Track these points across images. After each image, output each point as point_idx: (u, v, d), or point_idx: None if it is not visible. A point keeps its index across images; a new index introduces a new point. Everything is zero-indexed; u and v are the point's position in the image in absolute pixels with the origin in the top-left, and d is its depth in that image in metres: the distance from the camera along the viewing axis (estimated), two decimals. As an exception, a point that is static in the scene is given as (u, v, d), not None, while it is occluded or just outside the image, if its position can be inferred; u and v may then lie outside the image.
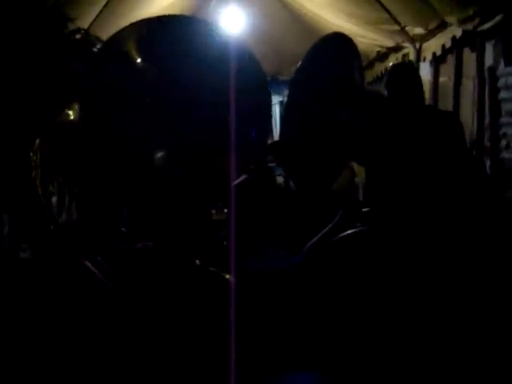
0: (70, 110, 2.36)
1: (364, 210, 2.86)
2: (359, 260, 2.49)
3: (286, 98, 3.02)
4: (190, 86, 2.35)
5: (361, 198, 4.98)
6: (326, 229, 2.78)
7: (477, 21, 4.27)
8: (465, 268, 2.89)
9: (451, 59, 5.35)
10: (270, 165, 4.67)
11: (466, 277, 2.90)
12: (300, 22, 7.83)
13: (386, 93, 3.25)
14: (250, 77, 2.37)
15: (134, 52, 2.34)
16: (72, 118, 2.39)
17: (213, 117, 2.32)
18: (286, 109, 3.04)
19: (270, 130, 5.58)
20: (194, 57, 2.36)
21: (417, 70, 4.64)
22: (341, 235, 2.55)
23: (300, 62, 2.83)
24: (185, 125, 2.34)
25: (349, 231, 2.57)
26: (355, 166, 5.05)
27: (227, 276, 2.20)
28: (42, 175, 2.03)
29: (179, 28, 2.44)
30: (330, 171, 2.97)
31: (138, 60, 2.36)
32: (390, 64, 6.16)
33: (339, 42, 2.98)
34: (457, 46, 5.08)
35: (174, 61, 2.37)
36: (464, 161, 3.13)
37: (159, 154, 2.35)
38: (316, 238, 2.75)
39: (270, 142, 4.09)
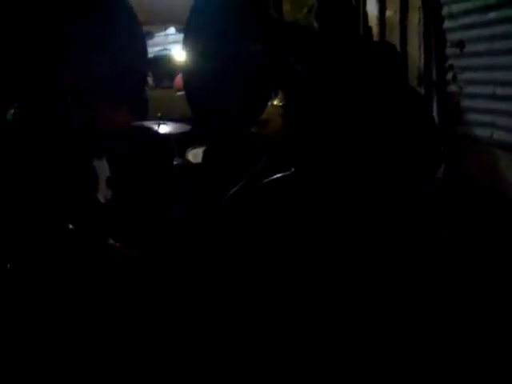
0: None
1: (288, 154, 2.61)
2: (283, 208, 2.27)
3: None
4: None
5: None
6: (248, 177, 2.54)
7: None
8: (403, 215, 2.69)
9: (396, -8, 5.09)
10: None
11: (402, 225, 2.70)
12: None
13: (316, 25, 2.97)
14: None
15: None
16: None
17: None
18: (183, 48, 2.71)
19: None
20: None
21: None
22: (262, 182, 2.32)
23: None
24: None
25: (271, 178, 2.33)
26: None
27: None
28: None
29: None
30: (247, 111, 2.70)
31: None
32: None
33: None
34: (402, -24, 4.82)
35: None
36: (403, 96, 2.90)
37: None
38: (237, 186, 2.51)
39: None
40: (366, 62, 2.86)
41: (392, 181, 2.65)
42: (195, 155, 3.98)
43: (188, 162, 3.88)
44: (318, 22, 2.92)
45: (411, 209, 2.74)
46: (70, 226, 1.87)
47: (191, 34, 2.55)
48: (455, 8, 3.88)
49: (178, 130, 4.36)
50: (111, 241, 1.92)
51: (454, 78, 3.99)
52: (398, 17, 5.07)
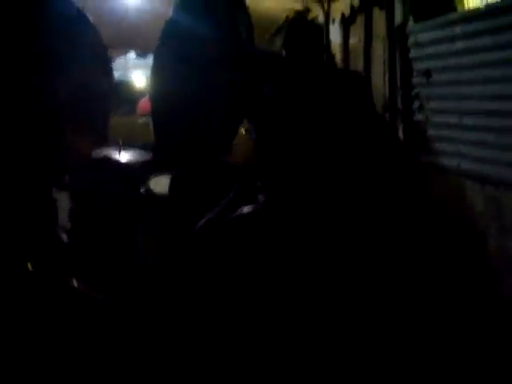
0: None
1: (259, 183, 2.50)
2: (254, 242, 2.16)
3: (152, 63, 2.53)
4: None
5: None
6: (220, 207, 2.41)
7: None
8: (379, 242, 2.61)
9: (360, 20, 5.12)
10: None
11: (381, 251, 2.62)
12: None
13: (283, 52, 2.89)
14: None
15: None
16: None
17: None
18: (152, 74, 2.56)
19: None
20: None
21: (315, 25, 4.30)
22: (232, 215, 2.20)
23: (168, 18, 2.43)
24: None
25: (243, 210, 2.22)
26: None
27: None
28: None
29: None
30: (218, 137, 2.59)
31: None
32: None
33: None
34: (366, 5, 4.84)
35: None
36: (371, 124, 2.83)
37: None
38: (207, 217, 2.38)
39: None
40: (335, 89, 2.79)
41: (361, 207, 2.58)
42: (158, 184, 3.84)
43: (151, 191, 3.73)
44: (285, 49, 2.84)
45: (383, 235, 2.67)
46: (30, 266, 1.71)
47: (161, 58, 2.43)
48: (422, 37, 3.88)
49: (140, 158, 4.21)
50: (74, 281, 1.77)
51: (421, 106, 3.96)
52: (361, 45, 5.08)
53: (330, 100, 2.65)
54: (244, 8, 2.63)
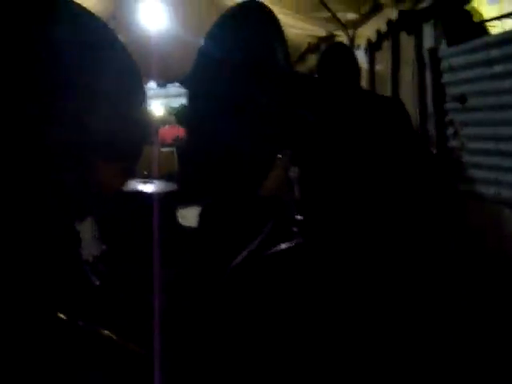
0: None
1: (298, 217, 2.34)
2: (293, 282, 2.01)
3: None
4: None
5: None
6: (254, 244, 2.26)
7: (413, -1, 3.93)
8: (427, 286, 2.45)
9: (387, 45, 5.02)
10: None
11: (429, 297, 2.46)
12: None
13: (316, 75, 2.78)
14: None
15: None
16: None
17: None
18: (189, 98, 2.42)
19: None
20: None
21: (351, 51, 4.22)
22: (271, 252, 2.05)
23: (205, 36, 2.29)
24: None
25: (281, 246, 2.07)
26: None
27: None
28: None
29: None
30: (255, 168, 2.43)
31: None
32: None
33: (253, 10, 2.43)
34: (393, 30, 4.73)
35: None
36: (414, 153, 2.70)
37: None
38: (242, 255, 2.23)
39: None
40: (374, 117, 2.67)
41: (408, 246, 2.43)
42: (185, 216, 3.72)
43: (179, 224, 3.61)
44: (320, 74, 2.73)
45: (430, 278, 2.51)
46: (61, 316, 1.56)
47: (196, 86, 2.31)
48: (456, 61, 3.75)
49: (165, 189, 4.09)
50: (106, 332, 1.62)
51: (455, 133, 3.82)
52: (388, 71, 4.98)
53: (373, 128, 2.52)
54: (282, 34, 2.52)
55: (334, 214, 2.27)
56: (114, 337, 1.61)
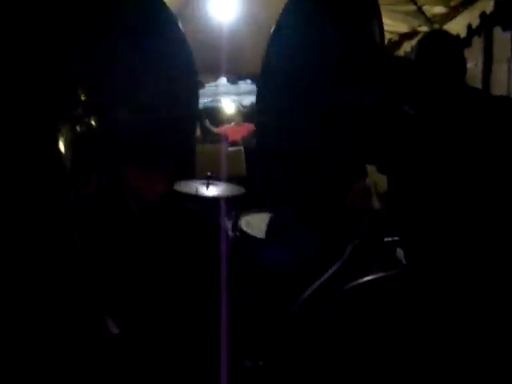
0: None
1: (386, 239, 1.94)
2: (386, 319, 1.64)
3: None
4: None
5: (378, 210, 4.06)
6: (331, 271, 1.88)
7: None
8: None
9: (478, 42, 4.57)
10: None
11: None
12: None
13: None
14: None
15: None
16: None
17: None
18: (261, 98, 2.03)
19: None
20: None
21: (456, 39, 3.73)
22: (354, 284, 1.68)
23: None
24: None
25: (368, 277, 1.69)
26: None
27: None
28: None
29: None
30: (342, 175, 2.02)
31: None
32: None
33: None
34: (486, 24, 4.28)
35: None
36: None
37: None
38: (316, 284, 1.86)
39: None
40: (489, 120, 2.24)
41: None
42: (250, 223, 3.38)
43: (243, 231, 3.29)
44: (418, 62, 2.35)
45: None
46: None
47: (272, 81, 1.95)
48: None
49: (231, 193, 3.77)
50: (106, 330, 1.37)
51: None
52: (480, 69, 4.55)
53: (486, 136, 2.10)
54: (378, 12, 2.11)
55: (446, 238, 1.87)
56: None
